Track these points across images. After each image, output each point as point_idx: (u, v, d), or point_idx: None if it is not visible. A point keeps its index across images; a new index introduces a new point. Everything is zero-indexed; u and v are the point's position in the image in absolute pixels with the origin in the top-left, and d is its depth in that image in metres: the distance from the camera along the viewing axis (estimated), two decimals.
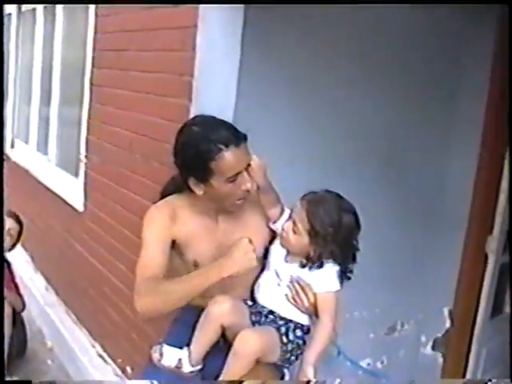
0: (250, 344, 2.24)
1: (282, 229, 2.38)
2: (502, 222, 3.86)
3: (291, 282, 2.38)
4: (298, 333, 2.41)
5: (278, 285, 2.41)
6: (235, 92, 2.83)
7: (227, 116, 2.76)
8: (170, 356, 2.32)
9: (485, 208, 3.84)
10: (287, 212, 2.44)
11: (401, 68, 3.46)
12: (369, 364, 3.88)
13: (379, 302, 3.81)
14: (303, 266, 2.35)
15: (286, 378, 2.52)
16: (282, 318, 2.40)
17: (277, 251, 2.43)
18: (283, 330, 2.37)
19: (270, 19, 2.87)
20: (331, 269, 2.35)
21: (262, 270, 2.48)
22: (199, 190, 2.31)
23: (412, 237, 3.80)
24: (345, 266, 2.37)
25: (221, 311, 2.28)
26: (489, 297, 3.94)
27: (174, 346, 2.37)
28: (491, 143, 3.75)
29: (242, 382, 2.23)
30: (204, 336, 2.32)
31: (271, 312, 2.42)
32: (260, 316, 2.41)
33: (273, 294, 2.42)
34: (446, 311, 4.00)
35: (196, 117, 2.41)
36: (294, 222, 2.32)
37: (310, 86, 3.17)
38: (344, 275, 2.38)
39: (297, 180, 3.13)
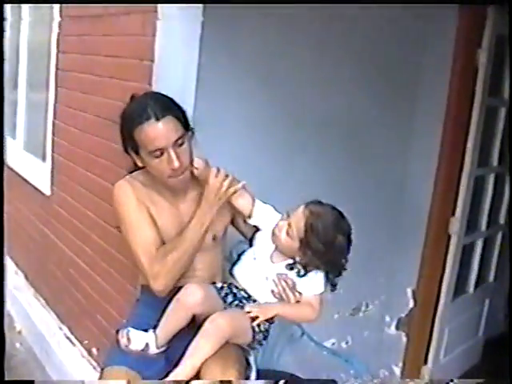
0: (221, 327, 2.27)
1: (276, 226, 2.41)
2: (465, 204, 3.92)
3: (279, 279, 2.43)
4: (266, 324, 2.46)
5: (267, 279, 2.45)
6: (195, 76, 2.85)
7: (188, 100, 2.80)
8: (138, 340, 2.33)
9: (447, 190, 3.90)
10: (259, 203, 2.49)
11: (364, 56, 3.51)
12: (333, 344, 3.93)
13: (343, 283, 3.81)
14: (291, 269, 2.41)
15: (251, 356, 2.57)
16: None
17: (264, 243, 2.47)
18: None
19: (229, 5, 2.88)
20: (317, 274, 2.41)
21: (240, 256, 2.56)
22: (139, 162, 2.41)
23: (375, 218, 3.85)
24: (329, 277, 2.44)
25: (194, 301, 2.32)
26: (451, 277, 4.01)
27: (139, 328, 2.38)
28: (454, 126, 3.80)
29: (189, 382, 2.26)
30: (174, 322, 2.34)
31: (248, 297, 2.47)
32: (234, 298, 2.46)
33: (259, 285, 2.47)
34: (409, 292, 4.07)
35: (144, 92, 2.50)
36: (290, 225, 2.36)
37: (271, 70, 3.20)
38: (328, 284, 2.46)
39: (259, 165, 3.18)
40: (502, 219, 4.57)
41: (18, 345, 4.51)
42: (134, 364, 2.34)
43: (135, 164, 2.46)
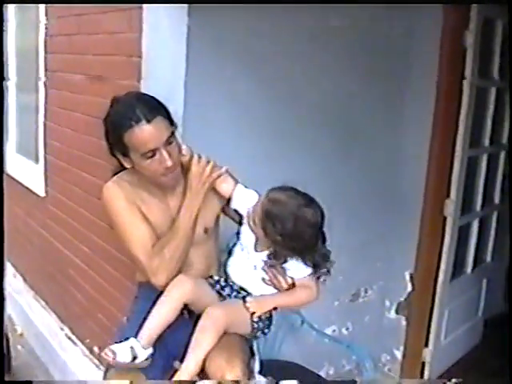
0: (217, 319, 2.28)
1: (247, 213, 2.39)
2: (459, 185, 3.93)
3: (268, 266, 2.40)
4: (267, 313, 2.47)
5: (255, 268, 2.43)
6: (184, 70, 2.84)
7: (177, 94, 2.81)
8: (122, 349, 2.26)
9: (441, 172, 3.90)
10: (240, 187, 2.47)
11: (353, 42, 3.51)
12: (334, 331, 3.94)
13: (342, 269, 3.83)
14: (269, 258, 2.38)
15: (255, 346, 2.58)
16: None
17: (248, 233, 2.43)
18: None
19: None
20: (298, 262, 2.38)
21: (232, 248, 2.55)
22: (127, 164, 2.40)
23: (371, 203, 3.87)
24: (312, 265, 2.38)
25: (183, 291, 2.33)
26: (448, 259, 4.02)
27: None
28: (444, 108, 3.80)
29: (195, 382, 2.26)
30: (163, 314, 2.33)
31: (243, 288, 2.47)
32: (231, 290, 2.47)
33: (248, 275, 2.46)
34: (407, 275, 4.08)
35: (127, 93, 2.47)
36: (254, 212, 2.33)
37: (260, 61, 3.19)
38: (314, 272, 2.40)
39: (250, 156, 3.18)
40: (496, 199, 4.59)
41: (19, 347, 4.52)
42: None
43: (121, 165, 2.46)
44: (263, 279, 2.43)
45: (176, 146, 2.38)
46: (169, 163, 2.32)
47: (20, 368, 4.19)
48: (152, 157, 2.31)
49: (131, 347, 2.26)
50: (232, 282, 2.48)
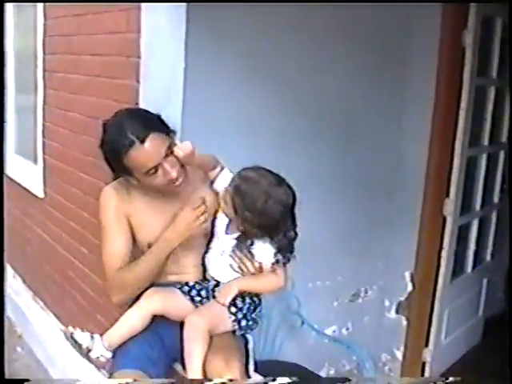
0: (197, 325, 2.30)
1: (221, 194, 2.39)
2: (458, 185, 3.92)
3: (233, 250, 2.41)
4: (247, 299, 2.46)
5: (221, 254, 2.45)
6: (182, 70, 2.83)
7: (175, 95, 2.81)
8: (84, 334, 2.34)
9: (440, 172, 3.89)
10: (225, 171, 2.44)
11: (354, 42, 3.51)
12: (334, 331, 3.94)
13: (341, 269, 3.87)
14: (238, 239, 2.39)
15: (250, 344, 2.58)
16: None
17: (221, 216, 2.45)
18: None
19: None
20: (265, 244, 2.38)
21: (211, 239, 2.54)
22: (134, 181, 2.38)
23: (371, 203, 3.87)
24: (278, 247, 2.37)
25: (152, 305, 2.39)
26: (448, 258, 4.02)
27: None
28: (444, 108, 3.80)
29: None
30: (129, 324, 2.39)
31: (217, 285, 2.47)
32: (207, 291, 2.47)
33: (218, 264, 2.47)
34: (407, 275, 4.07)
35: (116, 114, 2.41)
36: (227, 191, 2.33)
37: (259, 61, 3.19)
38: (280, 255, 2.39)
39: (252, 157, 3.17)
40: (496, 198, 4.58)
41: (19, 349, 4.50)
42: (141, 365, 2.33)
43: None
44: (231, 266, 2.43)
45: None
46: (173, 175, 2.31)
47: (20, 370, 4.18)
48: (155, 173, 2.30)
49: (91, 336, 2.33)
50: (205, 283, 2.49)
